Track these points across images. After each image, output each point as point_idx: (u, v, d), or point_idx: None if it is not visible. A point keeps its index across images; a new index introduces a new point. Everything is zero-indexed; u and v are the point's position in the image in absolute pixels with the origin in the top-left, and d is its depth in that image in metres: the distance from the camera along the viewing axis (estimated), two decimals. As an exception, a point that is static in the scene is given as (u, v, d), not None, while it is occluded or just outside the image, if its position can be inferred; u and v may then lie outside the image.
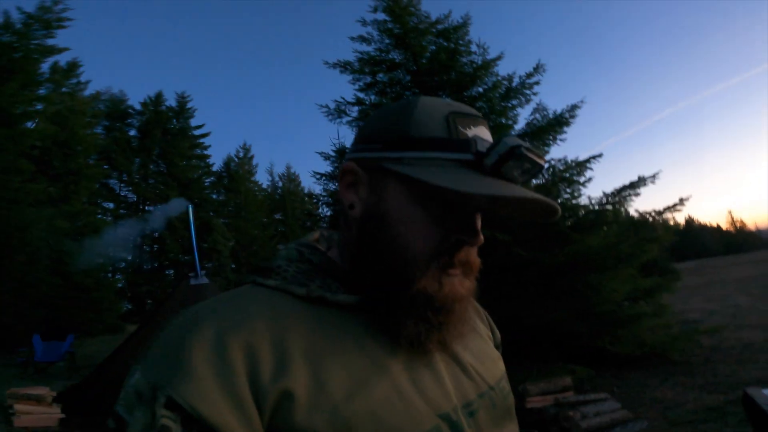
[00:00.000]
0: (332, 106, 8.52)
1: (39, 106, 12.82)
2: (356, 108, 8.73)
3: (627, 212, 7.49)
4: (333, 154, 8.82)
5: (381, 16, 8.37)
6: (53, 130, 13.19)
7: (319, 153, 8.47)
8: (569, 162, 6.94)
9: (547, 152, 8.04)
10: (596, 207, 6.85)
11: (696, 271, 23.85)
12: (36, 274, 10.79)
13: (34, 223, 10.73)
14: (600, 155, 6.76)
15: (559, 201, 6.84)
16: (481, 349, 0.57)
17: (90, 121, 16.97)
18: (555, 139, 7.77)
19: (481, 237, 0.48)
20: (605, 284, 5.88)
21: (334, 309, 0.47)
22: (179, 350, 0.40)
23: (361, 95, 8.79)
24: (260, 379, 0.39)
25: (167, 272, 21.14)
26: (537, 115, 7.65)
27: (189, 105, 23.01)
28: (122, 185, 21.21)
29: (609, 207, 6.84)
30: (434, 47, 8.15)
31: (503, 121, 7.84)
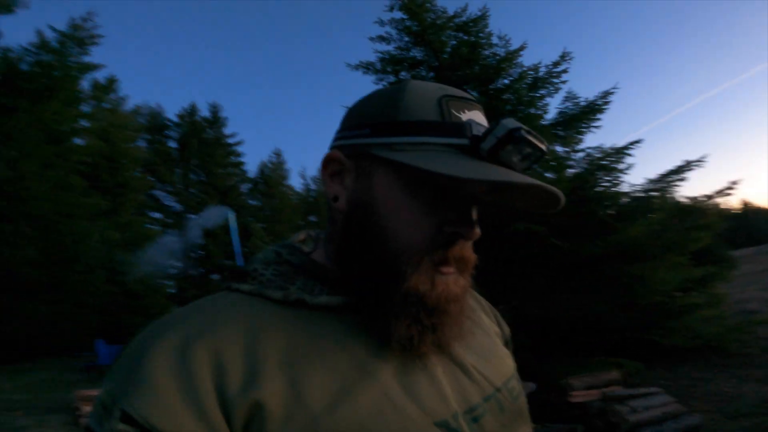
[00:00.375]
0: (358, 106, 8.65)
1: (84, 123, 13.63)
2: (382, 107, 8.82)
3: (673, 198, 7.17)
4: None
5: (398, 14, 8.41)
6: (100, 145, 14.05)
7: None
8: (606, 149, 6.72)
9: (581, 141, 7.85)
10: (639, 194, 6.60)
11: (753, 258, 22.31)
12: (93, 283, 11.50)
13: (89, 235, 11.45)
14: (640, 141, 6.51)
15: (597, 189, 6.62)
16: (485, 347, 0.53)
17: (132, 135, 17.95)
18: (589, 126, 7.61)
19: (478, 230, 0.44)
20: (652, 274, 5.63)
21: (315, 312, 0.44)
22: (139, 360, 0.37)
23: (387, 95, 8.88)
24: (228, 390, 0.37)
25: (212, 276, 22.06)
26: (568, 104, 7.56)
27: (221, 114, 23.87)
28: (166, 195, 22.26)
29: (653, 194, 6.56)
30: (454, 42, 8.11)
31: (533, 111, 7.71)
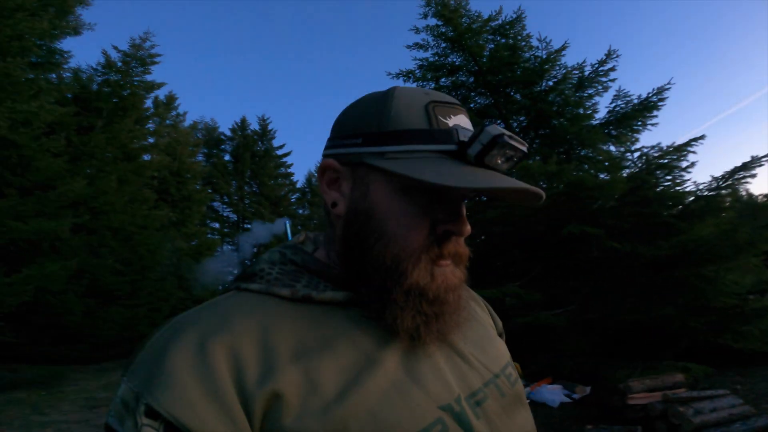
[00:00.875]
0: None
1: (151, 140, 14.75)
2: (424, 115, 8.93)
3: (744, 196, 6.74)
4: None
5: (433, 21, 8.50)
6: (166, 160, 15.22)
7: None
8: (665, 147, 6.44)
9: (636, 140, 7.60)
10: (705, 192, 6.26)
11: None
12: (165, 289, 12.40)
13: (161, 245, 12.36)
14: (702, 137, 6.17)
15: (658, 189, 6.36)
16: (481, 336, 0.56)
17: (193, 150, 19.28)
18: (644, 124, 7.35)
19: (468, 227, 0.48)
20: (723, 276, 5.33)
21: (322, 307, 0.46)
22: (160, 358, 0.39)
23: (427, 102, 8.99)
24: (246, 384, 0.38)
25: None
26: (619, 102, 7.32)
27: (270, 127, 25.02)
28: (223, 206, 23.62)
29: (721, 192, 6.20)
30: (492, 45, 8.10)
31: (581, 111, 7.54)
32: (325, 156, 0.51)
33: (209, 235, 19.81)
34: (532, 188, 0.44)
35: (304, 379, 0.40)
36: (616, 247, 5.81)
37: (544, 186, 7.01)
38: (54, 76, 10.91)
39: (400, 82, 9.37)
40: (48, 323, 8.83)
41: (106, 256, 11.07)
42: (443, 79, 8.99)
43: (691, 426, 2.74)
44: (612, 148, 7.66)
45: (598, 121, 7.57)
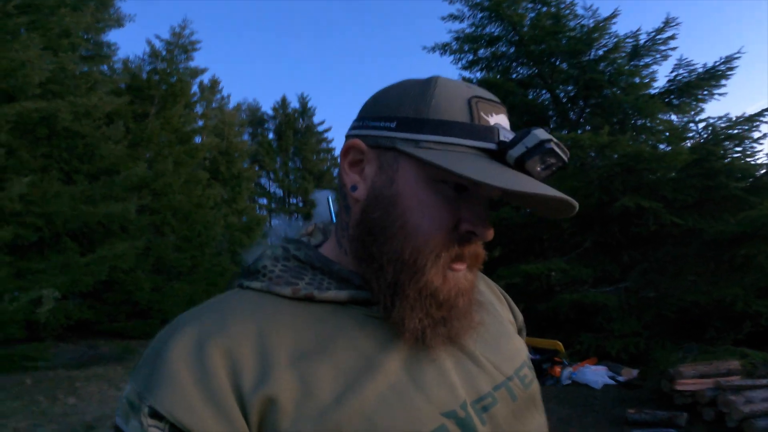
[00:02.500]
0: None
1: (201, 123, 15.47)
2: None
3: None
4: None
5: None
6: (216, 142, 15.93)
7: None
8: (734, 118, 5.96)
9: (701, 110, 7.13)
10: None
11: None
12: (221, 264, 13.14)
13: (215, 222, 13.09)
14: (775, 107, 5.61)
15: (726, 161, 5.94)
16: (496, 336, 0.53)
17: (239, 130, 19.96)
18: (711, 94, 6.90)
19: (492, 231, 0.45)
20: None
21: (324, 306, 0.45)
22: (161, 359, 0.39)
23: (466, 73, 8.72)
24: (243, 387, 0.38)
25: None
26: (681, 71, 6.90)
27: (309, 104, 25.33)
28: (270, 182, 24.50)
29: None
30: (533, 14, 7.67)
31: (636, 81, 7.08)
32: (349, 136, 0.48)
33: (258, 211, 20.76)
34: (567, 198, 0.41)
35: (300, 383, 0.39)
36: (676, 222, 5.52)
37: (595, 157, 6.73)
38: (105, 67, 11.57)
39: (436, 56, 9.13)
40: (121, 300, 9.68)
41: (168, 235, 11.97)
42: (482, 51, 8.67)
43: (740, 415, 2.66)
44: (673, 117, 7.19)
45: (656, 91, 7.15)
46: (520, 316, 0.63)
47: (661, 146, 6.95)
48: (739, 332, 4.50)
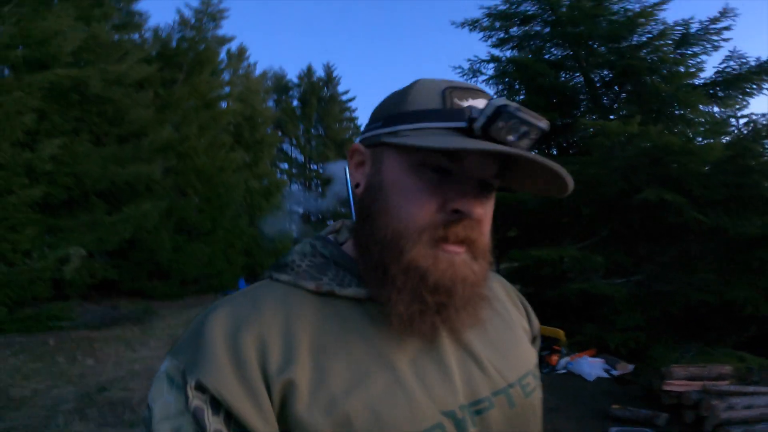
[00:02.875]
0: (466, 66, 8.40)
1: (227, 89, 15.57)
2: (491, 66, 8.42)
3: None
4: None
5: None
6: (240, 108, 16.07)
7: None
8: None
9: (746, 104, 6.79)
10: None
11: None
12: (239, 227, 13.57)
13: (236, 185, 13.38)
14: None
15: (757, 162, 5.67)
16: (505, 340, 0.54)
17: (263, 97, 19.98)
18: (759, 88, 6.54)
19: (480, 209, 0.45)
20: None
21: (344, 302, 0.47)
22: (202, 340, 0.42)
23: (495, 52, 8.43)
24: (269, 370, 0.41)
25: (328, 222, 24.38)
26: (732, 63, 6.49)
27: (335, 74, 25.02)
28: (292, 148, 24.69)
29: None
30: None
31: (681, 69, 6.73)
32: (355, 141, 0.54)
33: (279, 175, 21.07)
34: (549, 163, 0.42)
35: (316, 372, 0.42)
36: (699, 219, 5.37)
37: (622, 146, 6.53)
38: (137, 36, 11.72)
39: (465, 32, 8.80)
40: (144, 259, 10.12)
41: (191, 196, 12.37)
42: (514, 29, 8.34)
43: (716, 420, 2.70)
44: (717, 110, 6.87)
45: (702, 81, 6.79)
46: (537, 324, 0.63)
47: (699, 139, 6.70)
48: (742, 335, 4.46)
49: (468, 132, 0.43)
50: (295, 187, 23.80)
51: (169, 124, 11.40)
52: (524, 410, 0.50)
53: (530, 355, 0.56)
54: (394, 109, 0.48)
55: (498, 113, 0.41)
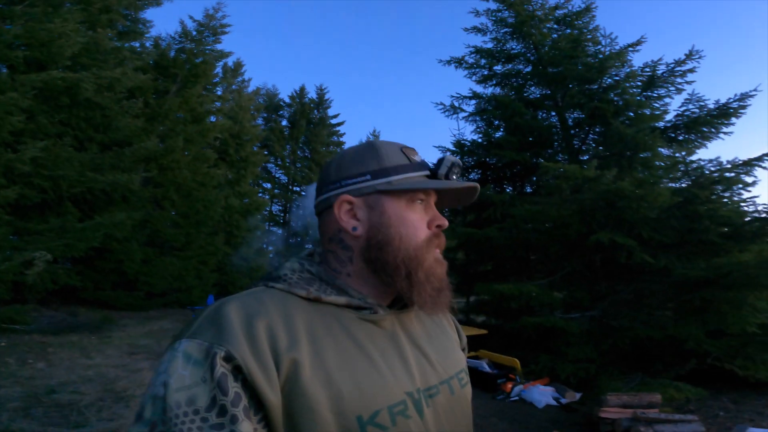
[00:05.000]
0: (447, 102, 8.81)
1: (218, 104, 15.66)
2: (473, 102, 8.82)
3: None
4: (452, 147, 9.17)
5: (494, 5, 8.20)
6: (229, 124, 16.12)
7: (437, 146, 8.90)
8: (727, 162, 5.94)
9: (703, 147, 7.07)
10: (764, 214, 5.82)
11: None
12: (214, 244, 13.25)
13: (215, 201, 13.16)
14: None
15: (709, 206, 5.92)
16: (445, 346, 0.70)
17: (254, 114, 20.17)
18: (717, 131, 6.78)
19: (446, 222, 0.66)
20: (751, 303, 5.08)
21: (328, 306, 0.60)
22: (224, 322, 0.52)
23: (478, 88, 8.84)
24: (279, 350, 0.51)
25: (306, 246, 24.16)
26: (690, 106, 6.75)
27: (326, 96, 25.55)
28: (277, 168, 24.79)
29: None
30: (556, 35, 7.72)
31: (647, 112, 7.10)
32: (335, 195, 0.65)
33: (260, 195, 21.00)
34: (473, 184, 0.67)
35: (314, 354, 0.53)
36: (648, 261, 5.64)
37: (580, 189, 6.84)
38: (137, 44, 11.86)
39: (451, 69, 9.31)
40: (110, 269, 9.86)
41: (167, 209, 12.22)
42: (497, 67, 8.77)
43: None
44: (676, 154, 7.14)
45: (665, 124, 7.07)
46: (465, 338, 0.82)
47: (661, 182, 6.84)
48: (683, 368, 4.69)
49: (433, 176, 0.66)
50: (276, 209, 23.71)
51: (155, 135, 11.40)
52: (460, 398, 0.66)
53: (462, 358, 0.74)
54: (377, 165, 0.64)
55: (455, 164, 0.65)
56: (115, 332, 7.55)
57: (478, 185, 0.67)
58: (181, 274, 11.68)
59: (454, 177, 0.65)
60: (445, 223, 0.65)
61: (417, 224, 0.63)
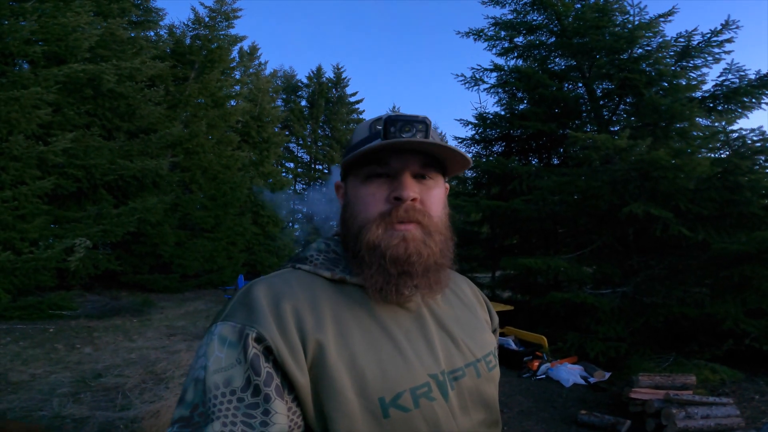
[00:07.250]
0: (468, 74, 8.54)
1: (237, 88, 15.82)
2: (494, 75, 8.54)
3: None
4: (474, 120, 8.96)
5: None
6: (249, 106, 16.29)
7: (459, 120, 8.70)
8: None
9: (744, 117, 6.77)
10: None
11: None
12: (242, 224, 13.70)
13: (241, 183, 13.54)
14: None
15: (747, 179, 5.64)
16: (473, 326, 0.68)
17: (273, 96, 20.21)
18: (759, 102, 6.55)
19: (408, 192, 0.57)
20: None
21: (353, 287, 0.60)
22: (254, 305, 0.53)
23: (500, 61, 8.53)
24: (305, 331, 0.52)
25: (332, 224, 24.51)
26: (730, 76, 6.50)
27: (344, 75, 25.26)
28: (298, 148, 24.93)
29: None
30: (579, 5, 7.33)
31: (682, 82, 6.78)
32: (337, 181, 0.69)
33: (284, 174, 21.28)
34: (445, 145, 0.57)
35: (339, 336, 0.54)
36: (685, 234, 5.44)
37: (611, 160, 6.60)
38: (152, 33, 11.98)
39: (469, 42, 9.02)
40: (146, 252, 10.35)
41: (196, 192, 12.60)
42: (518, 39, 8.44)
43: (674, 429, 2.82)
44: (716, 123, 6.86)
45: (702, 93, 6.80)
46: (496, 319, 0.79)
47: (699, 153, 6.65)
48: (719, 349, 4.54)
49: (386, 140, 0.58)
50: (299, 186, 24.02)
51: (178, 121, 11.65)
52: (487, 381, 0.63)
53: (492, 340, 0.70)
54: (347, 146, 0.66)
55: (388, 122, 0.56)
56: (154, 314, 7.90)
57: (432, 139, 0.56)
58: (212, 255, 12.13)
59: (405, 135, 0.56)
60: (404, 193, 0.57)
61: (368, 199, 0.59)
